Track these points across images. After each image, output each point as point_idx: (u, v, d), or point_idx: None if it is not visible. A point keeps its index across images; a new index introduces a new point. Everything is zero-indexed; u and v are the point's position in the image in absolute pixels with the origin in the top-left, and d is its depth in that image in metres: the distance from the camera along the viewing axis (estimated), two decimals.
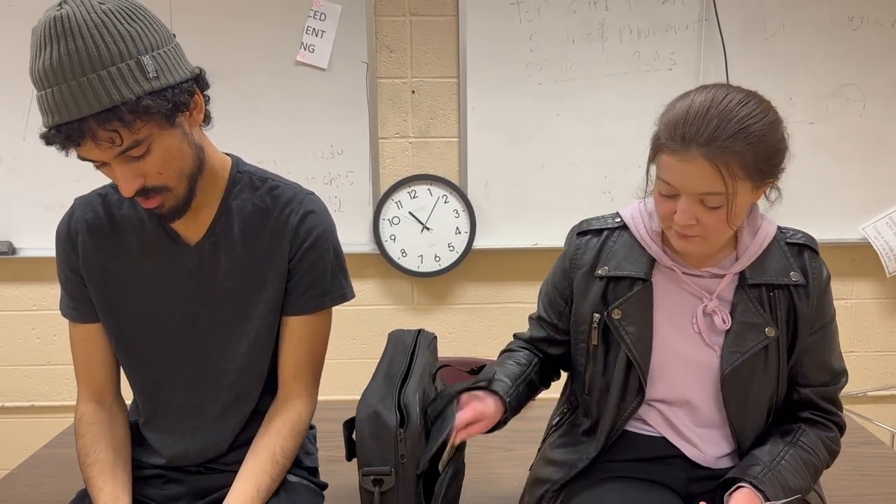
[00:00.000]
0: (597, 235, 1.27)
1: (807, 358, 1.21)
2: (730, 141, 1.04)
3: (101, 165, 1.08)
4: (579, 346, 1.28)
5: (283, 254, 1.24)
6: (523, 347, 1.38)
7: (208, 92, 1.16)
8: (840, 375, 1.24)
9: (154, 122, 1.04)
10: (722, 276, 1.19)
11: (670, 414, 1.24)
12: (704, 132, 1.04)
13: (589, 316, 1.24)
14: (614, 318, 1.21)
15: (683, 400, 1.23)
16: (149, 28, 1.03)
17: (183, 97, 1.07)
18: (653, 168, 1.15)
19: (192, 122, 1.13)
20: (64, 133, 0.99)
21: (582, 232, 1.29)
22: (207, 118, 1.18)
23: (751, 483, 1.12)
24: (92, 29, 0.98)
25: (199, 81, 1.13)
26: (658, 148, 1.11)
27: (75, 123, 0.99)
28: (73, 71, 0.98)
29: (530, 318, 1.41)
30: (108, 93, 0.98)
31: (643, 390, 1.21)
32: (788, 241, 1.22)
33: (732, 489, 1.14)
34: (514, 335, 1.42)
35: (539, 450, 1.41)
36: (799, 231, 1.24)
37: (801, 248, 1.21)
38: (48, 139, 1.02)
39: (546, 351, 1.36)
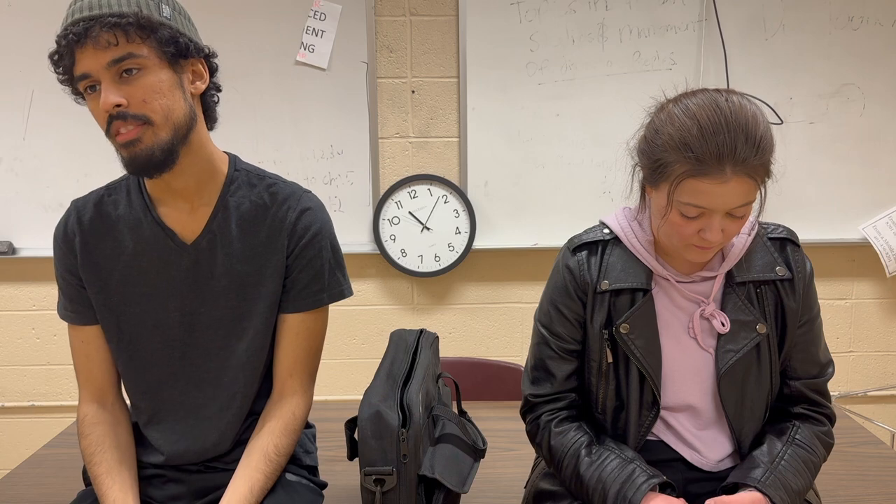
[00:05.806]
0: (593, 249, 1.23)
1: (795, 352, 1.22)
2: (761, 148, 1.03)
3: (89, 89, 1.10)
4: (591, 365, 1.24)
5: (281, 250, 1.24)
6: (564, 419, 1.25)
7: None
8: (827, 366, 1.25)
9: (153, 51, 1.09)
10: (712, 279, 1.19)
11: (672, 420, 1.24)
12: (735, 148, 1.02)
13: (599, 333, 1.21)
14: (622, 333, 1.19)
15: (686, 405, 1.22)
16: None
17: (188, 46, 1.13)
18: (636, 181, 1.14)
19: (193, 87, 1.17)
20: (71, 34, 1.05)
21: (577, 248, 1.24)
22: (213, 119, 1.22)
23: (756, 488, 1.11)
24: None
25: (207, 57, 1.20)
26: (678, 175, 1.05)
27: (82, 23, 1.05)
28: None
29: (535, 368, 1.28)
30: (126, 2, 1.07)
31: (657, 402, 1.21)
32: (770, 236, 1.22)
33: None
34: (533, 403, 1.27)
35: (537, 461, 1.40)
36: (779, 225, 1.24)
37: (783, 243, 1.22)
38: (57, 57, 1.09)
39: (574, 389, 1.27)
